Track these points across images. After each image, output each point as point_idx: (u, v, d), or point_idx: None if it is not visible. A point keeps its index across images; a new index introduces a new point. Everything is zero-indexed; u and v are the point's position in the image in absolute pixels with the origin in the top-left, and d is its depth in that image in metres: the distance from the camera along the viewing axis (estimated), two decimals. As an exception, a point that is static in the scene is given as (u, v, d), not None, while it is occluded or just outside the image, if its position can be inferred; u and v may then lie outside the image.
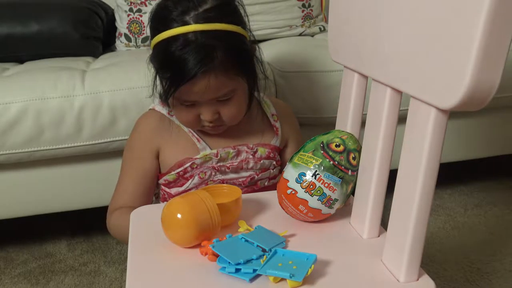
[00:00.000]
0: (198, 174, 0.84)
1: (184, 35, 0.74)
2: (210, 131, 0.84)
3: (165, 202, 0.66)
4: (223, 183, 0.84)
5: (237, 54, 0.77)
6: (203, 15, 0.75)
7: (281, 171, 0.83)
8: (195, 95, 0.76)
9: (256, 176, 0.86)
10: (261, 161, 0.86)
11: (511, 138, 1.37)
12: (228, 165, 0.85)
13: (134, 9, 1.38)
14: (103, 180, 1.11)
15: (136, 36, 1.39)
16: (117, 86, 1.04)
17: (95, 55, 1.32)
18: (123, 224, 0.79)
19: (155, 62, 0.80)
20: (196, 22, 0.74)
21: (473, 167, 1.56)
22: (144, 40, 1.39)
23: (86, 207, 1.16)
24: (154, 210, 0.67)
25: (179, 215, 0.58)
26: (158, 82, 0.87)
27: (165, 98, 0.78)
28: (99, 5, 1.43)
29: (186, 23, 0.74)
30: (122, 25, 1.40)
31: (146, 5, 1.38)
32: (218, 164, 0.85)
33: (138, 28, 1.38)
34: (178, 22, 0.75)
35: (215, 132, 0.85)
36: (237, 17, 0.79)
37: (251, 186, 0.87)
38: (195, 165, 0.84)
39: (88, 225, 1.34)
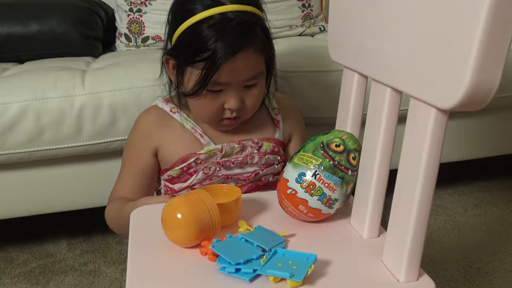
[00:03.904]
0: (203, 170, 0.84)
1: (222, 14, 0.75)
2: (225, 126, 0.84)
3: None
4: (228, 179, 0.84)
5: (268, 35, 0.81)
6: None
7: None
8: (232, 74, 0.76)
9: (260, 172, 0.86)
10: (266, 156, 0.86)
11: (511, 138, 1.37)
12: (233, 160, 0.85)
13: (134, 9, 1.38)
14: (103, 180, 1.11)
15: (136, 36, 1.39)
16: (117, 86, 1.04)
17: (95, 55, 1.32)
18: (114, 213, 0.83)
19: (187, 47, 0.78)
20: (232, 2, 0.76)
21: (473, 167, 1.56)
22: (144, 40, 1.39)
23: (86, 207, 1.16)
24: (154, 210, 0.67)
25: (179, 215, 0.58)
26: (163, 81, 0.88)
27: (201, 84, 0.76)
28: (99, 5, 1.43)
29: (222, 4, 0.76)
30: (122, 25, 1.40)
31: (146, 5, 1.38)
32: (223, 159, 0.85)
33: (138, 28, 1.38)
34: (213, 3, 0.76)
35: (230, 127, 0.85)
36: (261, 5, 0.83)
37: (256, 181, 0.87)
38: (199, 161, 0.84)
39: (88, 225, 1.34)
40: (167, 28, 0.83)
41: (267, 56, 0.81)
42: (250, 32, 0.76)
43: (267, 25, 0.82)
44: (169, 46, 0.83)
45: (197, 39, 0.76)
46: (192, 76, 0.78)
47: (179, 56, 0.80)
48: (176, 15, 0.81)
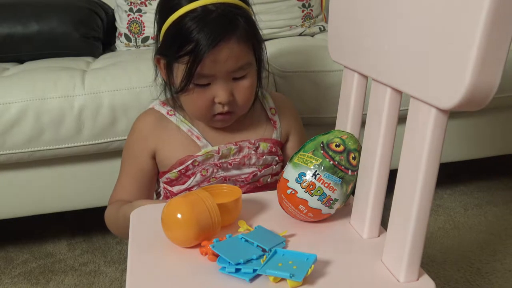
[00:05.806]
0: (200, 172, 0.84)
1: (204, 6, 0.76)
2: (219, 122, 0.84)
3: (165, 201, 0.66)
4: (226, 180, 0.84)
5: (253, 26, 0.81)
6: None
7: (283, 167, 0.83)
8: (216, 65, 0.77)
9: (258, 173, 0.86)
10: (264, 157, 0.86)
11: (511, 138, 1.37)
12: (230, 161, 0.85)
13: (134, 9, 1.38)
14: (103, 180, 1.11)
15: (136, 36, 1.39)
16: (117, 86, 1.04)
17: (95, 55, 1.32)
18: (112, 215, 0.84)
19: (172, 42, 0.78)
20: None
21: (473, 167, 1.56)
22: (144, 40, 1.39)
23: (86, 207, 1.16)
24: (154, 210, 0.67)
25: (179, 215, 0.58)
26: (160, 80, 0.88)
27: (187, 78, 0.77)
28: (99, 5, 1.43)
29: None
30: (122, 25, 1.40)
31: (146, 5, 1.38)
32: (220, 160, 0.85)
33: (138, 28, 1.38)
34: None
35: (224, 124, 0.85)
36: (247, 1, 0.83)
37: (254, 182, 0.87)
38: (197, 163, 0.84)
39: (88, 225, 1.34)
40: (155, 29, 0.84)
41: (253, 47, 0.81)
42: (231, 23, 0.76)
43: (254, 17, 0.82)
44: None
45: (180, 33, 0.77)
46: (179, 71, 0.79)
47: (166, 53, 0.81)
48: (162, 13, 0.81)
